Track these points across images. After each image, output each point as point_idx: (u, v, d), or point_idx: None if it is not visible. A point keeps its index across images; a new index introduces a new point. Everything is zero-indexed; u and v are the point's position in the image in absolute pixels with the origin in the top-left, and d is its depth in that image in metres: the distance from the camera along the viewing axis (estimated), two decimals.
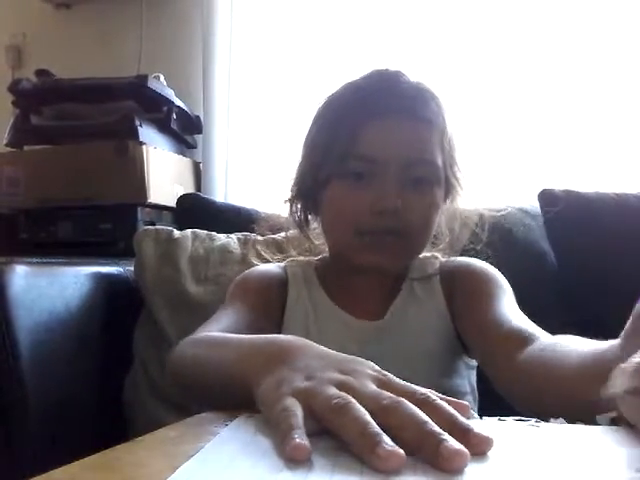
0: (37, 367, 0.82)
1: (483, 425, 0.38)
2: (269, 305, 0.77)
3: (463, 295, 0.76)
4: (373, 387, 0.34)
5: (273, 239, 1.05)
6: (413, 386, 0.35)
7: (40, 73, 1.62)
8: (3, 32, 2.03)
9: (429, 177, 0.73)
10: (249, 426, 0.36)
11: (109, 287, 1.01)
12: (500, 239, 0.81)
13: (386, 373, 0.36)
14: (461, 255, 0.84)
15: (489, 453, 0.30)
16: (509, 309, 0.68)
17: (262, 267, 0.85)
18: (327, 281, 0.81)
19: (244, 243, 1.10)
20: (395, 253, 0.73)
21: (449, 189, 0.78)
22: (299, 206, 0.82)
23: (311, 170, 0.77)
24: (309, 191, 0.79)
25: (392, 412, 0.31)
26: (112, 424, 0.98)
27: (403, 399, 0.32)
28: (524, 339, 0.59)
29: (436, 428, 0.30)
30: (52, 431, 0.83)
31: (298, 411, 0.32)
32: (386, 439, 0.28)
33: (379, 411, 0.31)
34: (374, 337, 0.74)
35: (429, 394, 0.33)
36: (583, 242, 1.08)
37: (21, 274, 0.83)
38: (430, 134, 0.74)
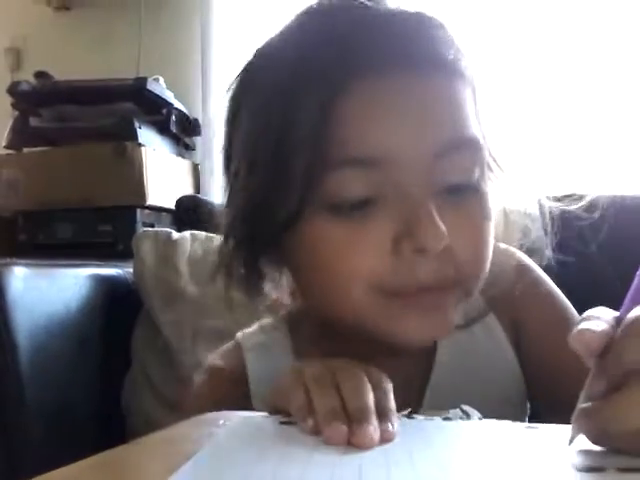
0: (36, 369, 0.81)
1: (482, 426, 0.38)
2: None
3: (534, 339, 0.51)
4: (354, 368, 0.38)
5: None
6: (377, 374, 0.38)
7: (39, 75, 1.63)
8: (2, 34, 2.03)
9: (473, 168, 0.43)
10: (248, 427, 0.36)
11: (108, 289, 1.01)
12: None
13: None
14: None
15: (480, 452, 0.32)
16: None
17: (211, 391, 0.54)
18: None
19: None
20: (447, 309, 0.43)
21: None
22: (243, 258, 0.48)
23: (257, 200, 0.44)
24: (261, 235, 0.45)
25: (349, 391, 0.35)
26: (111, 426, 0.98)
27: (364, 382, 0.36)
28: None
29: (369, 413, 0.33)
30: (51, 433, 0.83)
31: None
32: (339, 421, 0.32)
33: (341, 386, 0.35)
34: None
35: (381, 381, 0.37)
36: (583, 242, 1.08)
37: (20, 276, 0.83)
38: (461, 91, 0.43)
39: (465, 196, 0.43)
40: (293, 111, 0.41)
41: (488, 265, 0.46)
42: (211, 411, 0.42)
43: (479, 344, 0.51)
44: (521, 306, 0.52)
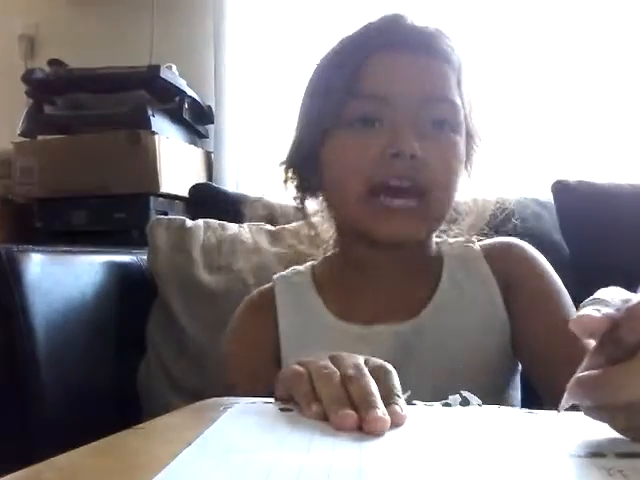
0: (53, 354, 0.83)
1: (481, 412, 0.38)
2: (266, 364, 0.64)
3: (521, 296, 0.63)
4: (356, 360, 0.40)
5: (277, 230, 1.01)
6: (379, 360, 0.40)
7: (53, 63, 1.63)
8: (16, 22, 2.04)
9: (450, 119, 0.61)
10: (247, 413, 0.36)
11: (123, 275, 1.02)
12: (512, 230, 0.80)
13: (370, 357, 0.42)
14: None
15: (480, 438, 0.32)
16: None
17: (245, 314, 0.69)
18: (330, 289, 0.67)
19: (256, 232, 1.10)
20: (416, 215, 0.59)
21: (469, 146, 0.65)
22: (297, 173, 0.68)
23: (309, 124, 0.65)
24: (308, 151, 0.64)
25: (353, 381, 0.37)
26: (126, 410, 0.99)
27: (366, 372, 0.38)
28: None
29: (375, 399, 0.35)
30: (68, 417, 0.84)
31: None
32: (346, 408, 0.35)
33: (345, 378, 0.38)
34: (403, 342, 0.61)
35: (385, 367, 0.39)
36: (597, 233, 1.06)
37: (37, 262, 0.84)
38: (447, 72, 0.62)
39: (444, 134, 0.61)
40: (337, 67, 0.63)
41: (453, 195, 0.63)
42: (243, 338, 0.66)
43: (471, 277, 0.65)
44: (513, 268, 0.65)
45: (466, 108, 0.63)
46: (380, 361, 0.40)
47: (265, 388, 0.45)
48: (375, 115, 0.60)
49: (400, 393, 0.37)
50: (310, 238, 0.74)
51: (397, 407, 0.35)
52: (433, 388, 0.45)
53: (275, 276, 0.71)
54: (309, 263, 0.72)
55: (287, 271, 0.71)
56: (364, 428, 0.33)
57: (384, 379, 0.38)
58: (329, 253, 0.72)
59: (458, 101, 0.62)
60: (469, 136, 0.64)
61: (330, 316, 0.64)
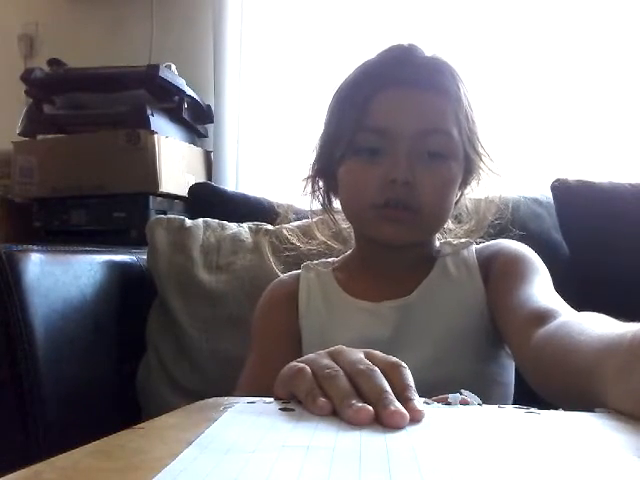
0: (52, 353, 0.83)
1: (482, 412, 0.38)
2: (287, 332, 0.76)
3: (495, 278, 0.72)
4: (359, 355, 0.40)
5: (295, 227, 1.04)
6: (388, 357, 0.41)
7: (52, 62, 1.63)
8: (15, 21, 2.04)
9: (444, 150, 0.70)
10: (247, 413, 0.36)
11: (123, 275, 1.02)
12: (512, 230, 0.80)
13: (371, 350, 0.42)
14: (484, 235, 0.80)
15: (482, 438, 0.32)
16: (539, 290, 0.65)
17: (275, 289, 0.82)
18: (346, 275, 0.79)
19: (255, 232, 1.10)
20: (409, 226, 0.70)
21: (471, 167, 0.74)
22: (320, 184, 0.80)
23: (327, 147, 0.76)
24: (327, 169, 0.77)
25: (365, 377, 0.38)
26: (126, 410, 0.99)
27: (376, 368, 0.38)
28: (543, 317, 0.57)
29: (391, 394, 0.36)
30: (67, 417, 0.84)
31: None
32: (360, 402, 0.35)
33: (354, 374, 0.38)
34: (400, 316, 0.72)
35: (400, 364, 0.40)
36: (596, 232, 1.07)
37: (36, 262, 0.84)
38: (444, 105, 0.70)
39: (436, 163, 0.70)
40: (349, 102, 0.73)
41: (444, 212, 0.72)
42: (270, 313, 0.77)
43: (461, 270, 0.75)
44: (494, 257, 0.75)
45: (465, 137, 0.72)
46: (390, 357, 0.40)
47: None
48: (378, 146, 0.70)
49: (415, 390, 0.37)
50: (333, 234, 0.88)
51: (415, 403, 0.35)
52: (424, 352, 0.68)
53: (304, 264, 0.83)
54: (331, 259, 0.85)
55: (316, 262, 0.83)
56: (383, 422, 0.33)
57: (399, 376, 0.38)
58: (348, 251, 0.83)
59: (454, 131, 0.70)
60: (469, 160, 0.73)
61: (343, 293, 0.76)
